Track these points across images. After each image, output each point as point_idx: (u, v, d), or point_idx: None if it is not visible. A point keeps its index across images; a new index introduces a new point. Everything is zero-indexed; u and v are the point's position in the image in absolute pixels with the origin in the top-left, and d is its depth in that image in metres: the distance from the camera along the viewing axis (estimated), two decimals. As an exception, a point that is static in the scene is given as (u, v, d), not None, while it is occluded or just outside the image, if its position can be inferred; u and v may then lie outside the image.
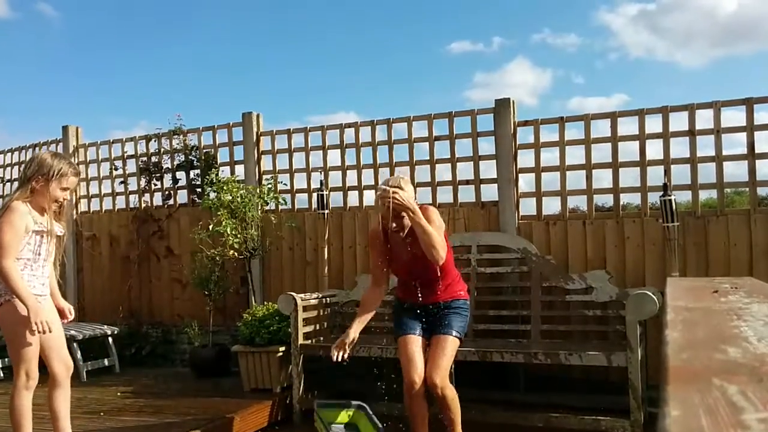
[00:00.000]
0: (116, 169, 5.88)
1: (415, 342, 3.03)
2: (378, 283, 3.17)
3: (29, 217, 2.71)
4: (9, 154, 6.68)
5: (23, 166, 2.88)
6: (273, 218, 5.00)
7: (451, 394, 3.00)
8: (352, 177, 4.96)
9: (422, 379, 2.97)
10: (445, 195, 4.68)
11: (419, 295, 3.09)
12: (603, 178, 4.49)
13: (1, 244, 2.63)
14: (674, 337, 0.74)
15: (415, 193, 3.26)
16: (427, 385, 2.96)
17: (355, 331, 3.07)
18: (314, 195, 4.95)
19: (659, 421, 0.44)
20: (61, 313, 2.96)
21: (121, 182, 5.88)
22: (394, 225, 2.97)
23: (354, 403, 3.33)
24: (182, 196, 5.65)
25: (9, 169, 6.68)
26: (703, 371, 0.55)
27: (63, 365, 2.86)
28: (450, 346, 2.98)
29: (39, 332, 2.65)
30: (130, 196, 5.85)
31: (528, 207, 4.48)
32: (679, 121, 4.08)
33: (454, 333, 3.00)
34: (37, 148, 6.32)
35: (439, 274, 3.02)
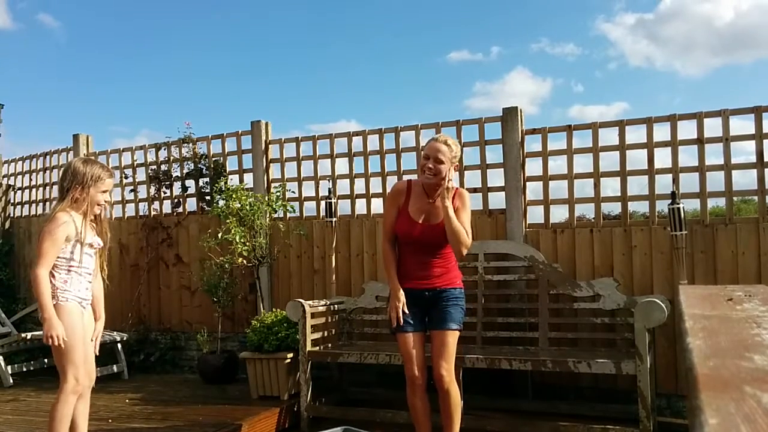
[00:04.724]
0: (126, 177, 5.92)
1: (412, 339, 3.12)
2: (391, 240, 3.21)
3: (72, 226, 2.77)
4: (20, 162, 6.75)
5: (60, 178, 2.92)
6: (281, 226, 5.02)
7: (455, 393, 3.08)
8: (360, 185, 4.98)
9: (423, 373, 3.09)
10: (452, 203, 4.69)
11: (416, 275, 3.13)
12: (609, 186, 4.51)
13: (39, 252, 2.73)
14: (697, 345, 0.75)
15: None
16: (434, 379, 3.05)
17: (401, 290, 3.12)
18: (322, 203, 4.97)
19: (696, 429, 0.45)
20: None
21: (131, 190, 5.92)
22: (430, 200, 3.10)
23: (338, 428, 3.37)
24: (191, 204, 5.69)
25: (20, 177, 6.74)
26: (733, 379, 0.56)
27: (86, 376, 2.86)
28: (452, 340, 3.09)
29: (54, 344, 2.68)
30: (140, 204, 5.88)
31: (535, 215, 4.50)
32: (686, 130, 4.09)
33: (454, 326, 3.10)
34: (48, 157, 6.37)
35: (440, 252, 3.11)
